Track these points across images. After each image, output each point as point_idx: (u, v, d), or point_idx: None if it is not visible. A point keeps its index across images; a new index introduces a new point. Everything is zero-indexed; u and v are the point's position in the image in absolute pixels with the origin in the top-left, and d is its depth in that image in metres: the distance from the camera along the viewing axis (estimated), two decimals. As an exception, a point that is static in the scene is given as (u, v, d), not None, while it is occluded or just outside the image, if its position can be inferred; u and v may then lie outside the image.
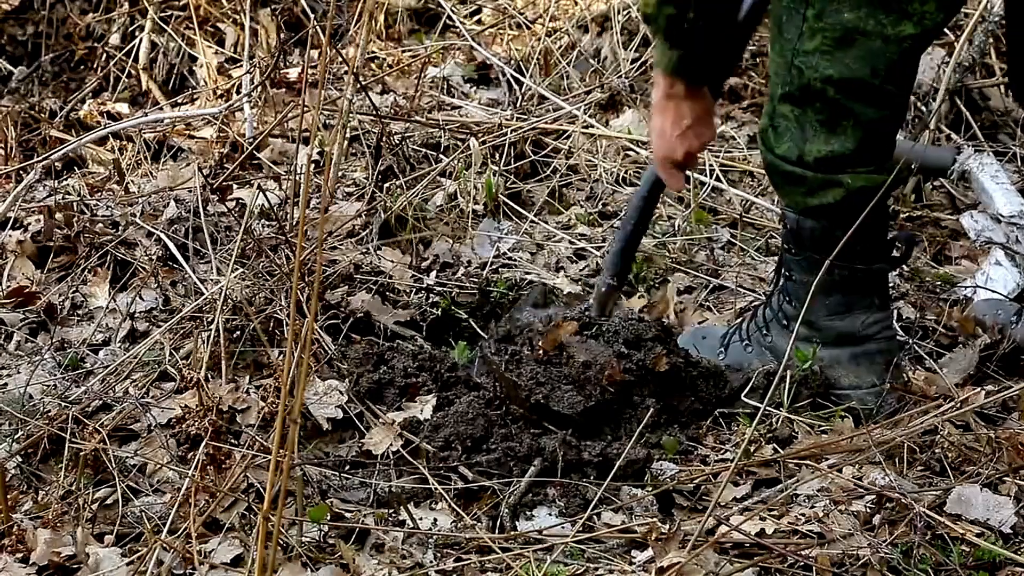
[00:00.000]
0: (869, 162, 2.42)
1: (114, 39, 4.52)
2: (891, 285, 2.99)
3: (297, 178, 3.28)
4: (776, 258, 3.16)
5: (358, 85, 3.47)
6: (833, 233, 2.42)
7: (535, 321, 2.65)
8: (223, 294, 2.76)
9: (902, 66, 2.39)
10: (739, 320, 2.79)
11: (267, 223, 3.25)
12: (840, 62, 2.35)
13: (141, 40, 4.44)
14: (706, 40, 2.39)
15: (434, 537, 2.24)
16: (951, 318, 2.86)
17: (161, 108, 4.22)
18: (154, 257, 3.13)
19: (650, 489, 2.38)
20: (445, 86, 4.06)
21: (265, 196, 3.18)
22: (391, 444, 2.44)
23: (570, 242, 3.26)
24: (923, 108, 3.61)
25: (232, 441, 2.47)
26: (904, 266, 3.05)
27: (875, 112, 2.39)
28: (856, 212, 2.37)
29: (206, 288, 2.95)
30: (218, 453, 2.40)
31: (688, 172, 2.65)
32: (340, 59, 4.06)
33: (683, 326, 2.90)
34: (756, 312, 2.70)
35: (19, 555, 2.29)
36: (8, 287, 3.14)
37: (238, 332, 2.77)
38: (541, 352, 2.57)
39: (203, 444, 2.40)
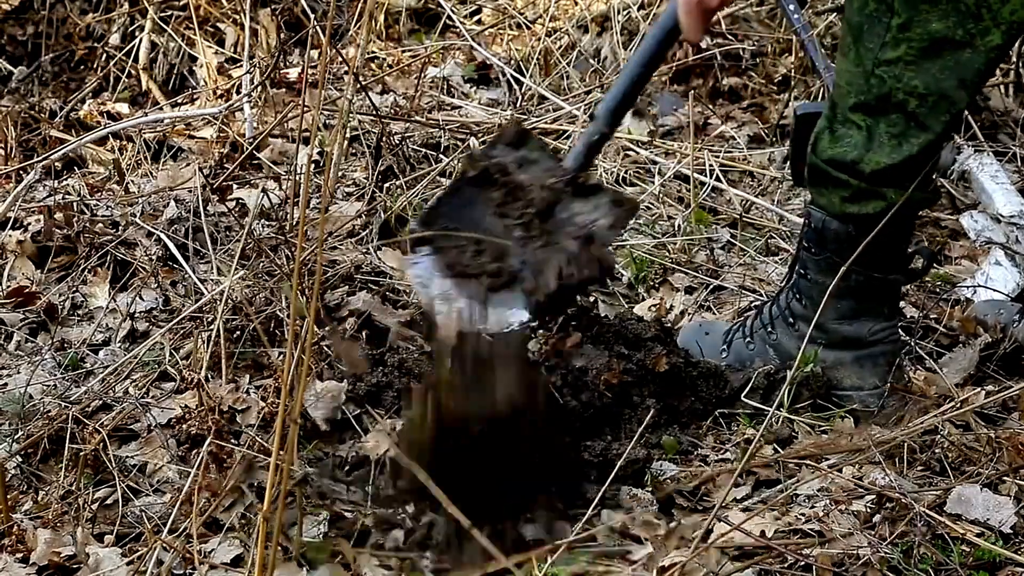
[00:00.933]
0: (915, 178, 2.40)
1: (114, 39, 4.52)
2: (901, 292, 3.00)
3: (297, 178, 3.29)
4: (775, 258, 3.17)
5: (358, 85, 3.47)
6: (858, 239, 2.40)
7: (508, 162, 2.39)
8: (224, 295, 2.76)
9: (986, 77, 2.38)
10: (743, 316, 2.79)
11: (267, 223, 3.25)
12: (927, 73, 2.31)
13: (141, 40, 4.44)
14: None
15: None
16: (952, 318, 2.86)
17: (161, 108, 4.22)
18: (154, 257, 3.14)
19: (650, 489, 2.38)
20: (445, 86, 4.07)
21: (267, 196, 3.17)
22: (388, 448, 2.44)
23: (570, 242, 3.25)
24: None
25: (232, 441, 2.46)
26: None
27: (944, 127, 2.37)
28: (888, 224, 2.36)
29: (206, 288, 2.95)
30: (221, 452, 2.40)
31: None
32: (340, 59, 4.06)
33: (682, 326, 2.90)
34: (762, 309, 2.69)
35: (19, 555, 2.29)
36: (8, 287, 3.14)
37: (238, 332, 2.77)
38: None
39: (207, 443, 2.39)
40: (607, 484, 2.30)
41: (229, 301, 2.79)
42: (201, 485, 2.32)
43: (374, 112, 3.48)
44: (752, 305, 2.91)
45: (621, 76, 2.48)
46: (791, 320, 2.60)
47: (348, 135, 3.55)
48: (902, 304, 2.91)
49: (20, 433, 2.58)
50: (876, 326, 2.56)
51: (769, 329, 2.64)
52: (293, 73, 4.23)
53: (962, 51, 2.30)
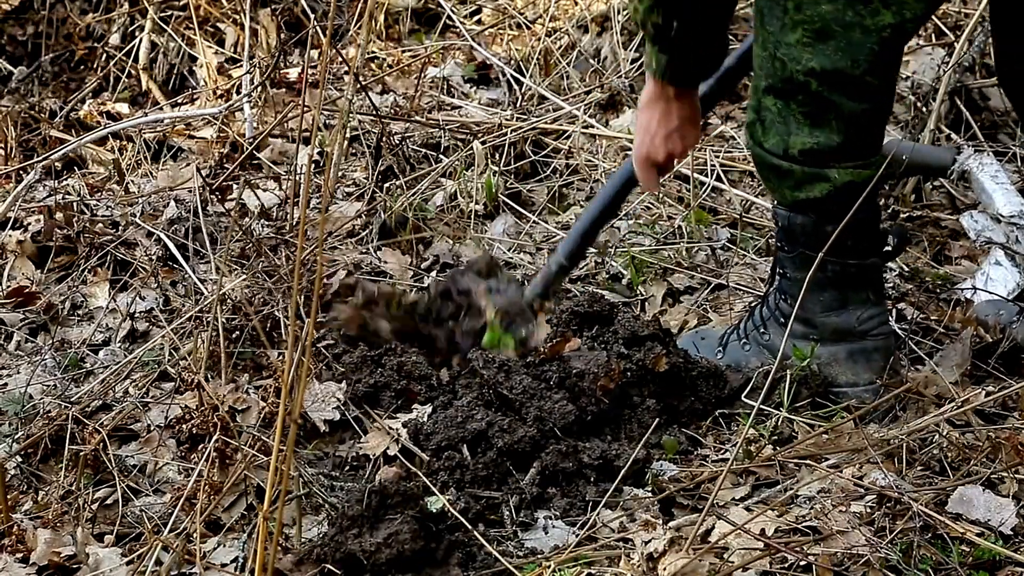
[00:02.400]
0: (855, 156, 2.42)
1: (114, 39, 4.52)
2: (891, 285, 3.00)
3: (297, 178, 3.29)
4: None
5: (358, 85, 3.47)
6: (824, 228, 2.43)
7: (474, 288, 2.62)
8: (217, 295, 2.76)
9: (883, 57, 2.38)
10: (737, 322, 2.79)
11: (267, 223, 3.25)
12: (821, 54, 2.34)
13: (141, 40, 4.44)
14: (694, 47, 2.39)
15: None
16: (953, 319, 2.86)
17: (161, 108, 4.22)
18: (154, 257, 3.14)
19: (650, 489, 2.38)
20: (445, 86, 4.07)
21: (257, 196, 3.17)
22: (387, 448, 2.44)
23: (570, 242, 3.26)
24: (923, 108, 3.61)
25: (233, 442, 2.46)
26: (904, 266, 3.05)
27: (857, 105, 2.39)
28: (845, 207, 2.37)
29: (206, 288, 2.95)
30: (226, 448, 2.40)
31: (673, 173, 2.62)
32: (340, 59, 4.06)
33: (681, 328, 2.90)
34: (753, 311, 2.70)
35: (19, 555, 2.29)
36: (8, 287, 3.14)
37: (238, 333, 2.77)
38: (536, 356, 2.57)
39: (213, 439, 2.40)
40: (612, 488, 2.31)
41: (228, 301, 2.79)
42: (206, 481, 2.32)
43: (374, 112, 3.48)
44: (750, 305, 2.91)
45: (582, 218, 2.67)
46: (782, 320, 2.60)
47: (348, 135, 3.55)
48: (902, 305, 2.91)
49: (20, 433, 2.58)
50: (864, 313, 2.56)
51: (762, 330, 2.65)
52: (293, 73, 4.22)
53: (852, 32, 2.33)
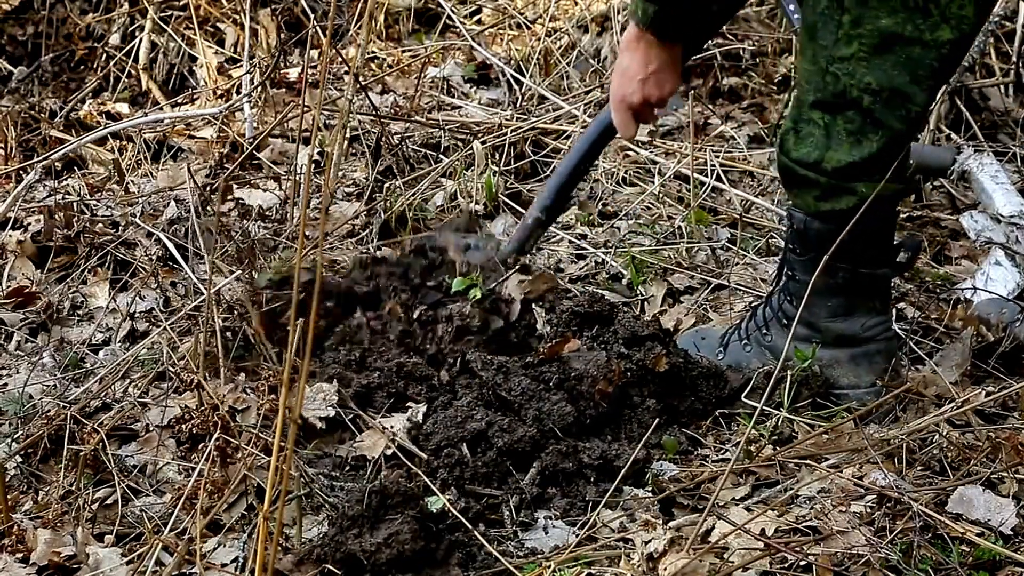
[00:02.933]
0: (885, 171, 2.40)
1: (114, 39, 4.52)
2: (891, 285, 3.00)
3: (297, 178, 3.29)
4: (776, 258, 3.17)
5: (358, 85, 3.47)
6: (840, 236, 2.42)
7: (451, 243, 2.62)
8: (210, 295, 2.76)
9: (940, 74, 2.38)
10: (738, 321, 2.79)
11: (265, 224, 3.25)
12: (878, 69, 2.32)
13: (141, 40, 4.44)
14: (684, 3, 2.37)
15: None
16: (954, 319, 2.85)
17: (161, 108, 4.22)
18: (154, 257, 3.14)
19: (650, 489, 2.38)
20: (445, 86, 4.07)
21: (250, 198, 3.17)
22: (383, 448, 2.43)
23: (570, 242, 3.26)
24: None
25: (233, 442, 2.46)
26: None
27: (903, 124, 2.38)
28: (867, 218, 2.36)
29: (205, 288, 2.95)
30: (227, 447, 2.40)
31: (653, 125, 2.57)
32: (340, 59, 4.06)
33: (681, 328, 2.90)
34: (755, 311, 2.70)
35: (19, 555, 2.29)
36: (8, 287, 3.14)
37: (238, 333, 2.77)
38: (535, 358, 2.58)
39: (214, 438, 2.39)
40: (612, 488, 2.30)
41: (225, 302, 2.79)
42: (206, 481, 2.32)
43: (374, 112, 3.48)
44: (751, 305, 2.91)
45: (558, 170, 2.66)
46: (785, 322, 2.60)
47: (348, 135, 3.55)
48: (902, 305, 2.91)
49: (20, 433, 2.58)
50: (869, 321, 2.56)
51: (764, 331, 2.64)
52: (293, 73, 4.23)
53: (912, 47, 2.31)
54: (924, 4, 2.28)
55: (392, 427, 2.47)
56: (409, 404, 2.55)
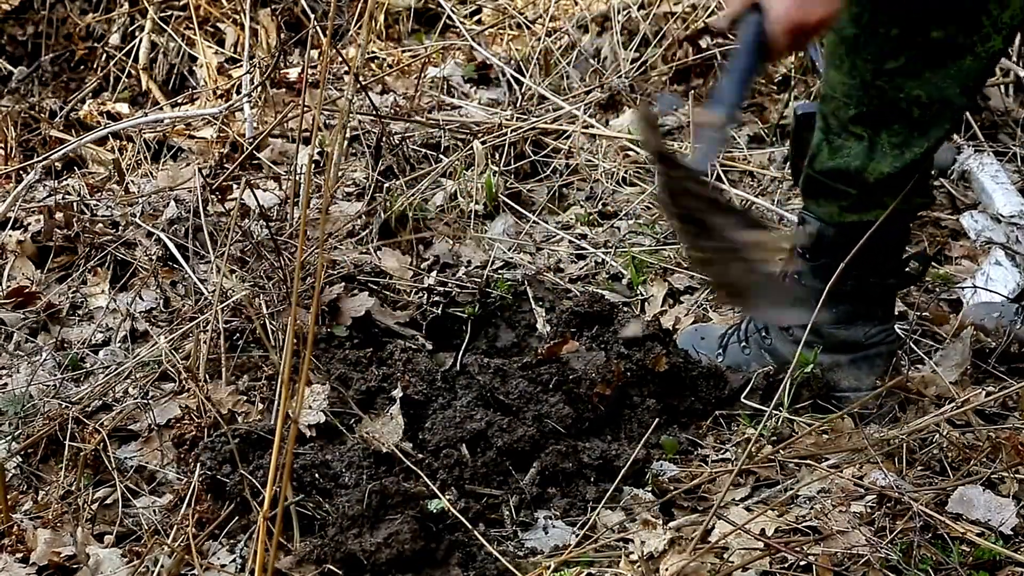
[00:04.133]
0: (915, 184, 2.39)
1: (114, 39, 4.52)
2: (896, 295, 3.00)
3: (297, 178, 3.29)
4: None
5: (358, 85, 3.47)
6: (853, 245, 2.40)
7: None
8: (216, 296, 2.76)
9: (982, 83, 2.37)
10: (738, 321, 2.79)
11: (266, 224, 3.25)
12: (928, 82, 2.30)
13: (141, 40, 4.44)
14: None
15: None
16: (946, 321, 2.86)
17: (161, 108, 4.22)
18: (154, 257, 3.14)
19: (650, 489, 2.38)
20: (445, 86, 4.07)
21: (255, 195, 3.17)
22: (383, 450, 2.43)
23: (570, 242, 3.26)
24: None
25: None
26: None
27: (944, 132, 2.37)
28: (888, 230, 2.36)
29: (206, 288, 2.95)
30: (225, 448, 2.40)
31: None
32: (340, 59, 4.06)
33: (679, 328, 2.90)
34: None
35: (19, 555, 2.29)
36: (8, 287, 3.14)
37: (237, 334, 2.77)
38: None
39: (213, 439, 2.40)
40: (612, 488, 2.30)
41: (228, 302, 2.79)
42: (206, 481, 2.32)
43: (374, 112, 3.48)
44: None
45: (731, 68, 2.31)
46: (785, 326, 2.59)
47: (348, 135, 3.55)
48: (902, 307, 2.91)
49: (20, 433, 2.58)
50: (872, 329, 2.56)
51: (763, 334, 2.64)
52: (293, 73, 4.23)
53: (963, 58, 2.29)
54: (976, 16, 2.26)
55: (392, 427, 2.47)
56: (401, 398, 2.53)
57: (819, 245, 2.50)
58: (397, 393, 2.52)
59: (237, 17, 4.44)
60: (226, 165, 3.55)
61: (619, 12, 4.15)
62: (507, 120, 3.63)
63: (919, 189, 2.41)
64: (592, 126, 3.65)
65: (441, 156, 3.55)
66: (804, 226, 2.52)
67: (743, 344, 2.67)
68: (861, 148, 2.38)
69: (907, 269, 2.56)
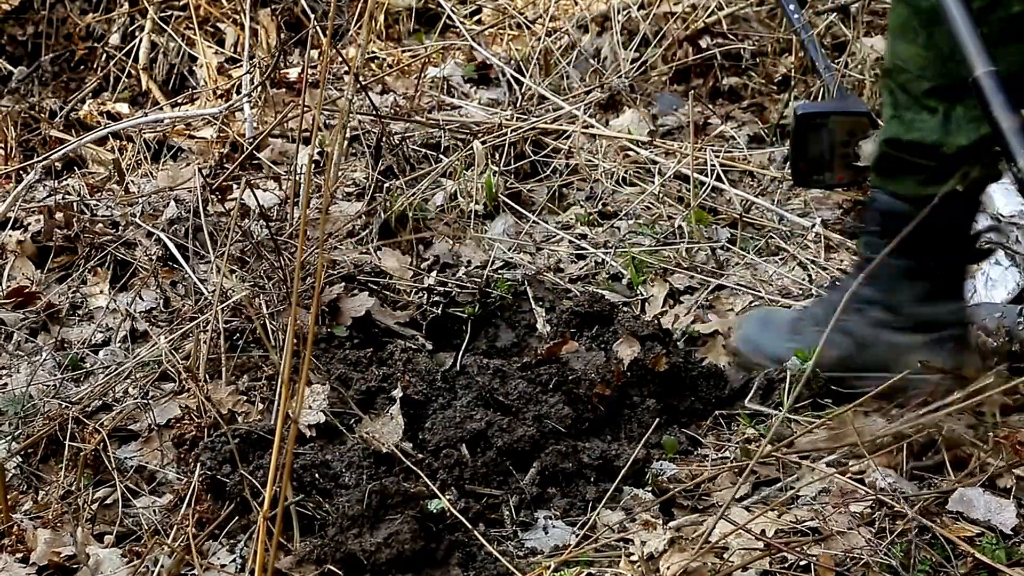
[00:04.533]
0: (986, 154, 2.37)
1: (114, 39, 4.52)
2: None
3: (297, 178, 3.29)
4: (775, 257, 3.17)
5: (358, 85, 3.47)
6: (927, 220, 2.31)
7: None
8: (216, 297, 2.76)
9: None
10: (806, 305, 2.71)
11: (266, 224, 3.25)
12: (1010, 55, 2.27)
13: (141, 40, 4.44)
14: None
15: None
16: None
17: (161, 108, 4.22)
18: (154, 257, 3.14)
19: (650, 489, 2.38)
20: (445, 86, 4.07)
21: (255, 196, 3.17)
22: (383, 450, 2.43)
23: (570, 242, 3.26)
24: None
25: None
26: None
27: (1018, 103, 2.31)
28: (961, 203, 2.35)
29: (206, 288, 2.95)
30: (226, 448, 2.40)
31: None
32: (340, 59, 4.06)
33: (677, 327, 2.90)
34: (827, 296, 2.64)
35: (19, 555, 2.29)
36: (8, 287, 3.14)
37: (237, 334, 2.77)
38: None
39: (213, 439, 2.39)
40: (612, 488, 2.30)
41: (228, 302, 2.79)
42: (206, 481, 2.32)
43: (374, 112, 3.48)
44: (815, 292, 2.83)
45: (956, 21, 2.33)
46: (861, 305, 2.56)
47: (348, 135, 3.55)
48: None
49: (20, 433, 2.58)
50: (951, 306, 2.53)
51: (840, 317, 2.59)
52: (293, 73, 4.23)
53: None
54: None
55: (392, 428, 2.47)
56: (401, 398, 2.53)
57: (893, 223, 2.46)
58: (397, 393, 2.52)
59: (237, 17, 4.44)
60: (226, 165, 3.55)
61: (619, 12, 4.15)
62: (507, 120, 3.63)
63: (990, 161, 2.40)
64: (592, 126, 3.65)
65: (441, 156, 3.55)
66: (874, 204, 2.50)
67: (818, 328, 2.62)
68: (936, 121, 2.37)
69: (978, 245, 2.54)
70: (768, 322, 2.71)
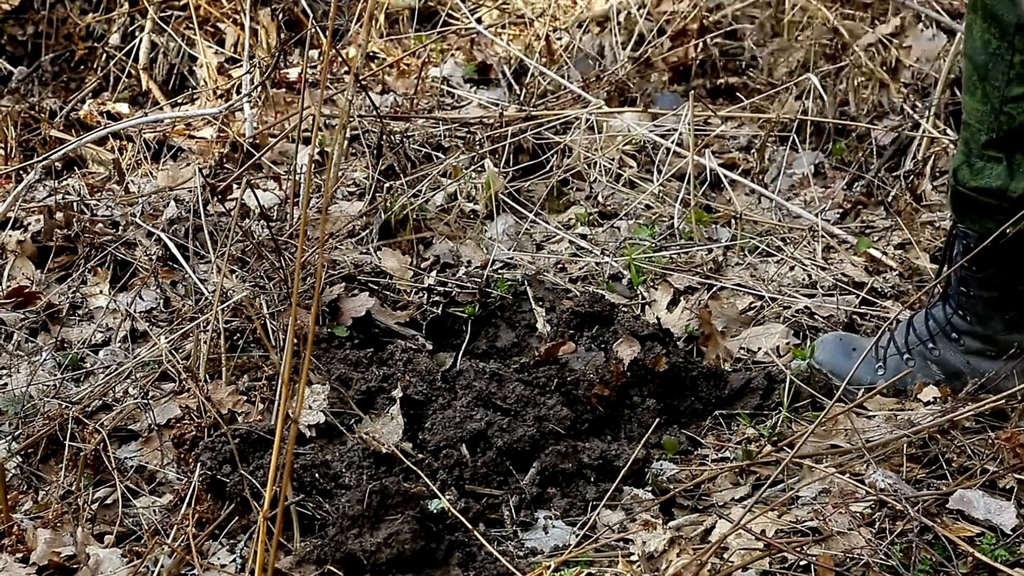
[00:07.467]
0: None
1: (114, 39, 4.52)
2: (891, 285, 3.00)
3: (297, 178, 3.29)
4: (775, 258, 3.17)
5: (358, 85, 3.47)
6: (1018, 253, 2.46)
7: None
8: (217, 297, 2.76)
9: None
10: (885, 332, 2.72)
11: (266, 224, 3.25)
12: None
13: (141, 40, 4.44)
14: None
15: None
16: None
17: (161, 108, 4.22)
18: (154, 257, 3.14)
19: (650, 489, 2.38)
20: (445, 86, 4.07)
21: (255, 195, 3.17)
22: (383, 450, 2.44)
23: (570, 242, 3.26)
24: (920, 102, 3.61)
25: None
26: (900, 265, 3.05)
27: None
28: None
29: (206, 288, 2.95)
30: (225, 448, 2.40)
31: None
32: (340, 59, 4.06)
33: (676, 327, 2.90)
34: (912, 324, 2.66)
35: (19, 555, 2.29)
36: (8, 287, 3.14)
37: (237, 334, 2.77)
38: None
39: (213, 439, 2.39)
40: (612, 488, 2.30)
41: (228, 302, 2.79)
42: (206, 481, 2.32)
43: (374, 112, 3.48)
44: (894, 318, 2.83)
45: None
46: (955, 335, 2.59)
47: (348, 135, 3.55)
48: (899, 306, 2.91)
49: (20, 433, 2.58)
50: None
51: (931, 345, 2.61)
52: (293, 73, 4.23)
53: None
54: None
55: (392, 428, 2.47)
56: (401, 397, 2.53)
57: (984, 258, 2.50)
58: (397, 393, 2.52)
59: (237, 17, 4.44)
60: (226, 165, 3.54)
61: (619, 12, 4.15)
62: (509, 114, 3.62)
63: None
64: (593, 125, 3.65)
65: (441, 155, 3.55)
66: (961, 240, 2.55)
67: (906, 356, 2.64)
68: (1001, 169, 2.44)
69: None
70: (852, 348, 2.70)
